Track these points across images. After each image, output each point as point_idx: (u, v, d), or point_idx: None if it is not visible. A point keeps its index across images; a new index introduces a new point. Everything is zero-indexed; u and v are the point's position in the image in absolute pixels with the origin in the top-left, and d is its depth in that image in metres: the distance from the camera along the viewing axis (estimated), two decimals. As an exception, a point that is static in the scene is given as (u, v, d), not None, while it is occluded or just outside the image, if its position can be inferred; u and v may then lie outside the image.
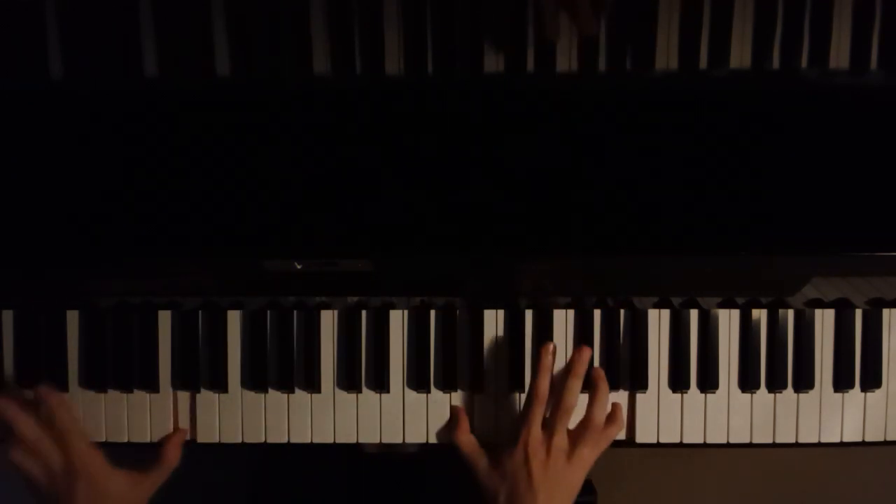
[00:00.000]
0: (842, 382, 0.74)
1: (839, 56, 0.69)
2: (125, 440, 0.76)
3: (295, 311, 0.75)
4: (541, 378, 0.71)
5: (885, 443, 0.75)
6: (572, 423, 0.72)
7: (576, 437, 0.71)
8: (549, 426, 0.70)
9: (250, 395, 0.75)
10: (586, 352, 0.73)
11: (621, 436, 0.74)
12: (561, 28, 0.69)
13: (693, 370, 0.74)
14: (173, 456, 0.74)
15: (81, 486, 0.68)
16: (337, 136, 0.70)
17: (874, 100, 0.70)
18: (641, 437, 0.75)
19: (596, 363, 0.74)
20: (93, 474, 0.69)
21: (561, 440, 0.70)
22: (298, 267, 0.70)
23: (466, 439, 0.73)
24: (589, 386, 0.73)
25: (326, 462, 0.91)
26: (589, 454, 0.71)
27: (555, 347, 0.73)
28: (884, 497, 1.14)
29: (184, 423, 0.76)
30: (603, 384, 0.72)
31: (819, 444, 0.75)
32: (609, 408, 0.73)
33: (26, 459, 0.69)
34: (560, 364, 0.74)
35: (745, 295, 0.75)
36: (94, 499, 0.69)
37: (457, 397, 0.75)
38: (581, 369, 0.72)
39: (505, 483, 0.69)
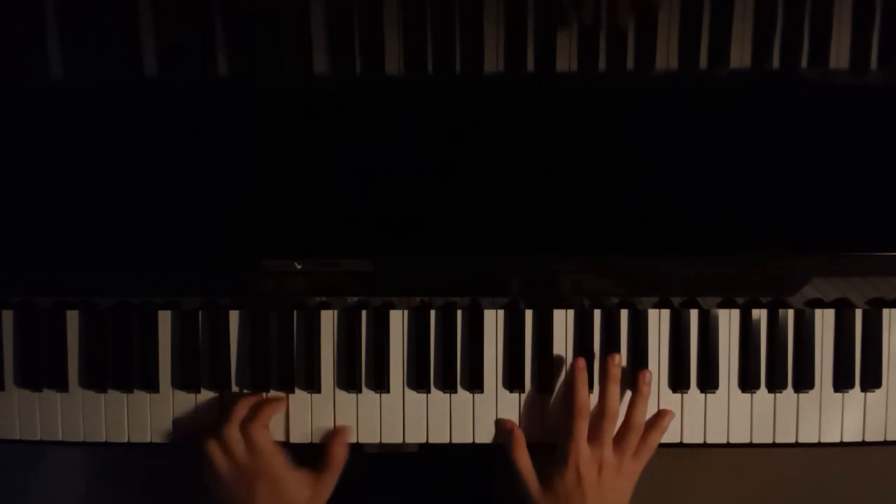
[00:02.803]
0: (842, 382, 0.74)
1: (839, 56, 0.69)
2: (125, 440, 0.76)
3: (295, 311, 0.75)
4: (581, 391, 0.72)
5: (885, 443, 0.75)
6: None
7: (621, 445, 0.71)
8: (595, 438, 0.71)
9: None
10: (618, 356, 0.73)
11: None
12: (560, 28, 0.69)
13: (693, 370, 0.74)
14: (340, 454, 0.74)
15: (263, 488, 0.69)
16: (337, 136, 0.70)
17: (874, 100, 0.70)
18: (641, 437, 0.75)
19: (596, 364, 0.74)
20: (275, 476, 0.70)
21: (609, 454, 0.70)
22: (298, 267, 0.70)
23: (524, 458, 0.72)
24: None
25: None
26: (637, 466, 0.72)
27: (584, 364, 0.73)
28: (884, 497, 1.14)
29: (184, 423, 0.76)
30: (644, 387, 0.72)
31: (819, 444, 0.75)
32: (647, 410, 0.73)
33: (218, 454, 0.71)
34: (558, 364, 0.75)
35: (745, 295, 0.75)
36: (275, 500, 0.70)
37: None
38: (617, 373, 0.72)
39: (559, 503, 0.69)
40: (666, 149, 0.69)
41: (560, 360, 0.75)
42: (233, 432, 0.71)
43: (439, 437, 0.75)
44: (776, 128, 0.70)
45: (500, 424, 0.74)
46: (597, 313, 0.75)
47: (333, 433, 0.74)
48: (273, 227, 0.69)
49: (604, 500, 0.70)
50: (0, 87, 0.72)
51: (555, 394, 0.75)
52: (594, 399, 0.73)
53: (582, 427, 0.71)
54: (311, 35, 0.70)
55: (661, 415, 0.74)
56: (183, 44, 0.71)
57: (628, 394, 0.74)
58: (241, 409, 0.73)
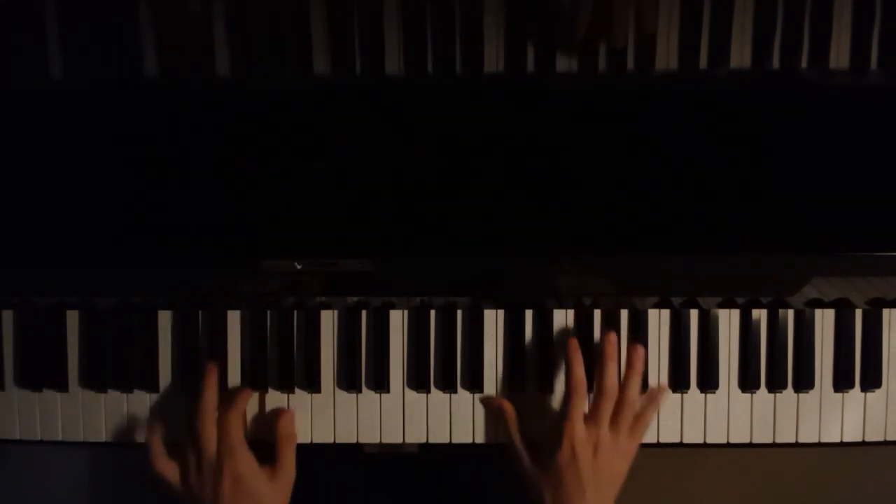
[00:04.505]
0: (842, 382, 0.74)
1: (839, 56, 0.69)
2: (125, 440, 0.76)
3: (295, 311, 0.75)
4: (576, 369, 0.70)
5: (885, 443, 0.75)
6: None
7: (617, 422, 0.70)
8: (592, 418, 0.70)
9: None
10: (614, 335, 0.72)
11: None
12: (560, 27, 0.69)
13: (693, 370, 0.74)
14: (286, 436, 0.73)
15: (227, 486, 0.69)
16: (337, 137, 0.70)
17: (874, 100, 0.70)
18: (641, 437, 0.75)
19: (596, 364, 0.74)
20: (238, 476, 0.69)
21: (606, 434, 0.69)
22: (298, 267, 0.70)
23: (515, 434, 0.72)
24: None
25: (326, 462, 0.91)
26: (632, 443, 0.71)
27: (577, 343, 0.72)
28: (884, 497, 1.14)
29: (184, 423, 0.76)
30: (638, 362, 0.71)
31: (819, 444, 0.75)
32: (638, 385, 0.72)
33: (186, 447, 0.71)
34: (558, 364, 0.75)
35: (745, 295, 0.75)
36: (239, 497, 0.69)
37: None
38: (613, 351, 0.71)
39: (552, 482, 0.68)
40: (666, 149, 0.69)
41: (560, 361, 0.75)
42: (209, 428, 0.70)
43: (439, 437, 0.75)
44: (776, 128, 0.69)
45: (488, 402, 0.74)
46: (597, 313, 0.75)
47: (278, 415, 0.73)
48: (273, 227, 0.69)
49: (599, 479, 0.68)
50: (0, 87, 0.72)
51: (555, 394, 0.75)
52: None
53: (578, 405, 0.69)
54: (311, 35, 0.70)
55: (655, 392, 0.73)
56: (183, 44, 0.71)
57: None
58: (212, 403, 0.71)
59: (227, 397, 0.72)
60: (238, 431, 0.71)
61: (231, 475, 0.69)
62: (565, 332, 0.75)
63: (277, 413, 0.74)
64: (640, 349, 0.72)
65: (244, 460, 0.70)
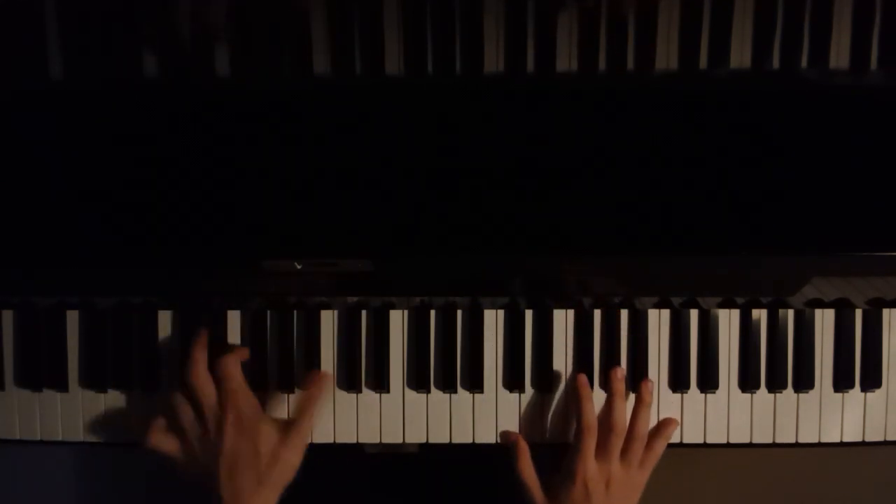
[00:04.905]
0: (842, 382, 0.74)
1: (839, 56, 0.69)
2: (125, 440, 0.76)
3: (295, 311, 0.75)
4: (586, 407, 0.71)
5: (885, 443, 0.75)
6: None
7: (627, 456, 0.71)
8: (602, 454, 0.71)
9: (250, 395, 0.75)
10: (620, 370, 0.73)
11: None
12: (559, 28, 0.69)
13: (693, 370, 0.74)
14: (314, 390, 0.70)
15: (232, 429, 0.65)
16: (337, 136, 0.70)
17: (874, 100, 0.70)
18: (641, 437, 0.75)
19: (596, 364, 0.74)
20: (247, 415, 0.66)
21: (617, 468, 0.70)
22: (298, 267, 0.70)
23: (528, 470, 0.72)
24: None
25: (327, 462, 0.91)
26: (643, 475, 0.72)
27: (586, 380, 0.73)
28: (884, 497, 1.14)
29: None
30: (647, 395, 0.72)
31: (819, 444, 0.75)
32: (651, 419, 0.73)
33: (183, 404, 0.68)
34: (558, 364, 0.75)
35: (745, 295, 0.75)
36: (246, 445, 0.65)
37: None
38: (621, 387, 0.72)
39: None
40: (666, 149, 0.69)
41: (560, 361, 0.75)
42: (202, 375, 0.67)
43: (439, 437, 0.75)
44: (776, 128, 0.69)
45: (505, 436, 0.74)
46: (597, 313, 0.75)
47: (310, 377, 0.71)
48: (273, 227, 0.69)
49: None
50: (0, 87, 0.72)
51: (555, 394, 0.75)
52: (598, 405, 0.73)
53: (590, 444, 0.70)
54: (311, 35, 0.70)
55: (664, 423, 0.74)
56: (183, 44, 0.71)
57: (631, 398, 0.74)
58: (203, 354, 0.69)
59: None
60: (239, 375, 0.68)
61: (235, 418, 0.65)
62: (565, 332, 0.75)
63: (307, 379, 0.71)
64: (649, 384, 0.73)
65: (248, 401, 0.68)
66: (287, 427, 0.69)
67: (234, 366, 0.69)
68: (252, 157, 0.70)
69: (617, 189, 0.69)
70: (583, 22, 0.69)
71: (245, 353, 0.73)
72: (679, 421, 0.74)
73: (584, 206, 0.69)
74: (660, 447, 0.73)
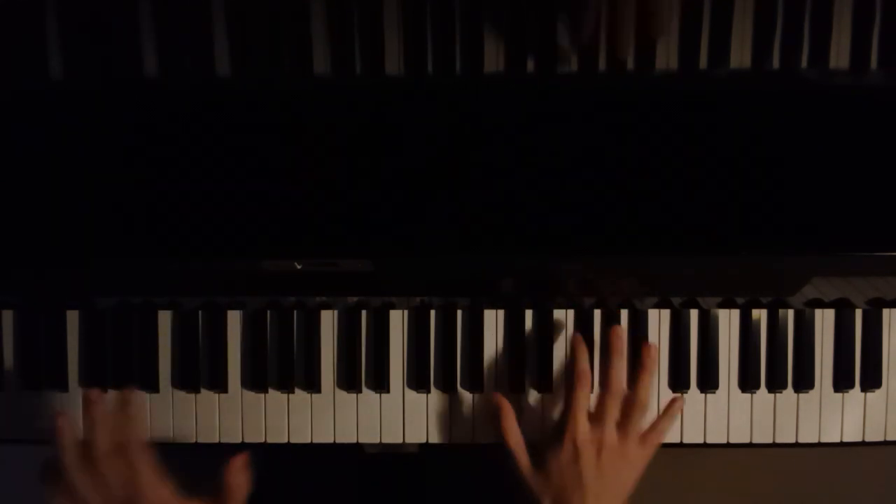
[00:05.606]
0: (842, 382, 0.74)
1: (839, 56, 0.69)
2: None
3: (295, 311, 0.75)
4: (581, 360, 0.67)
5: (885, 443, 0.75)
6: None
7: (625, 425, 0.66)
8: (597, 416, 0.66)
9: (250, 396, 0.75)
10: (620, 328, 0.69)
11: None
12: (560, 28, 0.69)
13: (693, 370, 0.74)
14: (237, 484, 0.62)
15: None
16: (337, 136, 0.70)
17: (874, 100, 0.70)
18: (641, 437, 0.75)
19: (596, 364, 0.74)
20: None
21: (612, 434, 0.65)
22: (298, 267, 0.70)
23: (514, 432, 0.68)
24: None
25: (327, 462, 0.91)
26: (643, 453, 0.66)
27: (581, 337, 0.69)
28: (884, 497, 1.14)
29: (183, 423, 0.76)
30: (650, 362, 0.67)
31: (819, 444, 0.75)
32: (650, 387, 0.68)
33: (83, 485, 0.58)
34: (558, 364, 0.75)
35: (745, 295, 0.75)
36: None
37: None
38: (621, 345, 0.68)
39: (552, 483, 0.64)
40: (666, 149, 0.69)
41: (560, 361, 0.75)
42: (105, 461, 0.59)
43: (439, 437, 0.75)
44: (776, 128, 0.70)
45: (486, 399, 0.72)
46: (597, 313, 0.75)
47: (231, 461, 0.63)
48: (273, 227, 0.69)
49: (604, 485, 0.63)
50: (0, 87, 0.72)
51: (555, 394, 0.75)
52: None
53: (581, 397, 0.65)
54: (311, 35, 0.70)
55: (670, 402, 0.71)
56: (183, 44, 0.71)
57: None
58: (103, 424, 0.61)
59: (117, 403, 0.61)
60: (143, 450, 0.60)
61: None
62: (565, 332, 0.75)
63: (228, 465, 0.63)
64: (652, 348, 0.68)
65: (165, 493, 0.59)
66: None
67: (143, 458, 0.60)
68: (252, 156, 0.70)
69: (617, 189, 0.69)
70: (582, 22, 0.69)
71: (131, 400, 0.63)
72: (677, 420, 0.74)
73: (584, 207, 0.69)
74: (664, 425, 0.69)
